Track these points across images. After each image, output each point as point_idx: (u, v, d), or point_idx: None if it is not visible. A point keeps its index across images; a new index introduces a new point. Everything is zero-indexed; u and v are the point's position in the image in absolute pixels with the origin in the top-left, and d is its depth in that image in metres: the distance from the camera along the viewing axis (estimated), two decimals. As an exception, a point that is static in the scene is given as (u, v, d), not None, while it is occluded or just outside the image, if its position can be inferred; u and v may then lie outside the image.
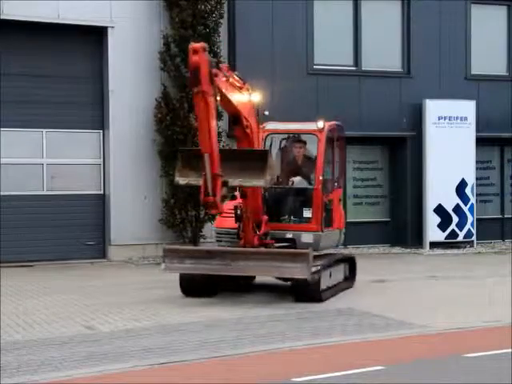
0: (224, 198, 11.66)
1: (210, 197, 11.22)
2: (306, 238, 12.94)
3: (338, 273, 13.61)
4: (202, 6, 18.15)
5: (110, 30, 18.15)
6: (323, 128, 13.16)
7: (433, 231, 20.57)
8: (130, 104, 18.23)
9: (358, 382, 7.78)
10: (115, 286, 14.53)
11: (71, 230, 18.08)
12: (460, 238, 20.79)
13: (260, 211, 12.86)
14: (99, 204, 18.48)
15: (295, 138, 13.69)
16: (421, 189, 20.68)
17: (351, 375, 7.93)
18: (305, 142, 13.70)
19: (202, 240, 18.24)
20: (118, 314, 11.51)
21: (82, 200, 18.27)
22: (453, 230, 20.71)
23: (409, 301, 12.89)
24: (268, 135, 13.78)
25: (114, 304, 12.39)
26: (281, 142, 13.88)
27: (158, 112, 18.11)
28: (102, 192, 18.53)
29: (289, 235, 13.07)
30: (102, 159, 18.50)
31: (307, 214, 13.09)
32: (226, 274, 12.51)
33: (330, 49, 20.27)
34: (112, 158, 18.23)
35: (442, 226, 20.64)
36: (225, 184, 11.36)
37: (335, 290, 13.23)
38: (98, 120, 18.48)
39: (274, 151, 13.88)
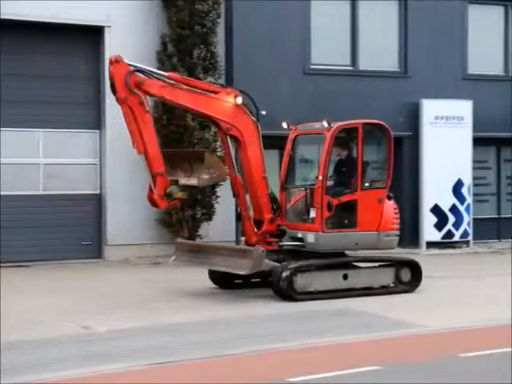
0: (169, 196, 12.40)
1: (152, 194, 12.33)
2: (309, 237, 13.11)
3: (379, 276, 13.55)
4: (200, 6, 18.17)
5: (106, 30, 18.15)
6: (329, 128, 13.14)
7: (429, 231, 20.60)
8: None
9: (353, 382, 7.79)
10: (111, 286, 14.52)
11: (68, 230, 18.07)
12: (456, 238, 20.81)
13: (262, 210, 13.18)
14: (96, 204, 18.48)
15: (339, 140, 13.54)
16: (417, 188, 20.72)
17: (347, 375, 7.93)
18: (347, 144, 13.69)
19: (198, 240, 18.25)
20: (114, 314, 11.50)
21: (78, 200, 18.27)
22: (449, 230, 20.73)
23: (405, 300, 12.90)
24: (297, 136, 13.96)
25: (110, 304, 12.39)
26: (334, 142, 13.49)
27: (154, 111, 18.07)
28: (98, 192, 18.52)
29: (299, 235, 13.31)
30: (98, 159, 18.49)
31: (312, 213, 13.19)
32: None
33: (327, 49, 20.30)
34: (108, 158, 18.23)
35: (439, 226, 20.68)
36: (174, 182, 12.46)
37: (370, 292, 13.23)
38: (95, 120, 18.48)
39: (303, 152, 14.35)
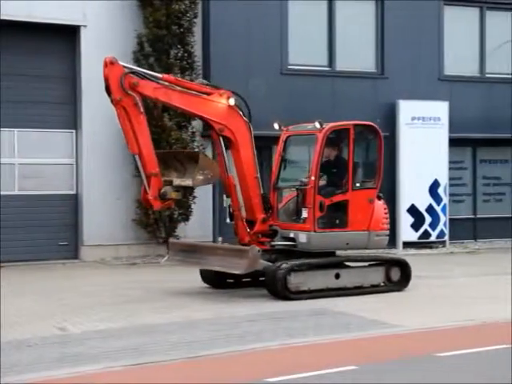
0: (164, 196, 12.45)
1: (146, 194, 12.40)
2: (301, 237, 13.16)
3: (369, 275, 13.67)
4: (176, 6, 18.12)
5: (82, 29, 18.06)
6: (321, 129, 13.20)
7: (406, 231, 20.68)
8: (102, 104, 17.99)
9: (332, 382, 7.78)
10: (88, 286, 14.42)
11: (44, 231, 17.95)
12: (433, 238, 20.91)
13: (254, 210, 13.24)
14: (72, 204, 18.37)
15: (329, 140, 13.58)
16: (394, 189, 20.78)
17: (325, 375, 7.93)
18: (338, 145, 13.74)
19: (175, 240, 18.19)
20: (91, 315, 11.43)
21: (54, 200, 18.14)
22: (426, 230, 20.83)
23: (382, 300, 12.93)
24: (289, 137, 14.01)
25: (86, 305, 12.31)
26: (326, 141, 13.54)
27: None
28: (74, 192, 18.41)
29: (291, 234, 13.37)
30: (74, 159, 18.39)
31: (304, 213, 13.26)
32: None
33: (305, 49, 20.31)
34: (85, 158, 18.13)
35: (415, 226, 20.76)
36: (168, 183, 12.52)
37: (361, 291, 13.35)
38: (71, 120, 18.38)
39: (296, 152, 14.49)
